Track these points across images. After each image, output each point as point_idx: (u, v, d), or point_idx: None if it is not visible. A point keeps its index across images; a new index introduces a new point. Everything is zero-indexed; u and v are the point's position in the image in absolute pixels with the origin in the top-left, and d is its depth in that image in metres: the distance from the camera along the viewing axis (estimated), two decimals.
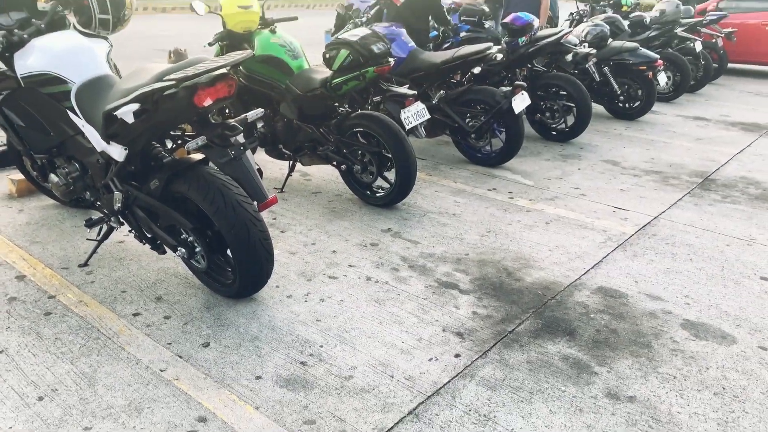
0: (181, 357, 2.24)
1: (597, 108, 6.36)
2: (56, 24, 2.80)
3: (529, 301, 2.71)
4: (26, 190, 3.79)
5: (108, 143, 2.42)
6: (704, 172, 4.70)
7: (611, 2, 8.05)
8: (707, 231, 3.54)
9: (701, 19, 8.39)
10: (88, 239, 3.07)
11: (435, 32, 5.69)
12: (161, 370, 2.16)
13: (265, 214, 3.58)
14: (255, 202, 2.40)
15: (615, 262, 3.12)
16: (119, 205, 2.58)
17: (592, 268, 3.05)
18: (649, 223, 3.65)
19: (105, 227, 2.84)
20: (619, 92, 6.23)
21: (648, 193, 4.19)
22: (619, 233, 3.48)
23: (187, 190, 2.39)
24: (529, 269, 3.02)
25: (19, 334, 2.35)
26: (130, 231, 2.75)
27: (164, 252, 2.72)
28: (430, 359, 2.27)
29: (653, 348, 2.38)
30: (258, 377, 2.14)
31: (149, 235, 2.66)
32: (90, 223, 2.81)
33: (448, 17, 5.83)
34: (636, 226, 3.60)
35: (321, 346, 2.32)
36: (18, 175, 3.73)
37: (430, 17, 5.48)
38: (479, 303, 2.68)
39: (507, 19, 5.14)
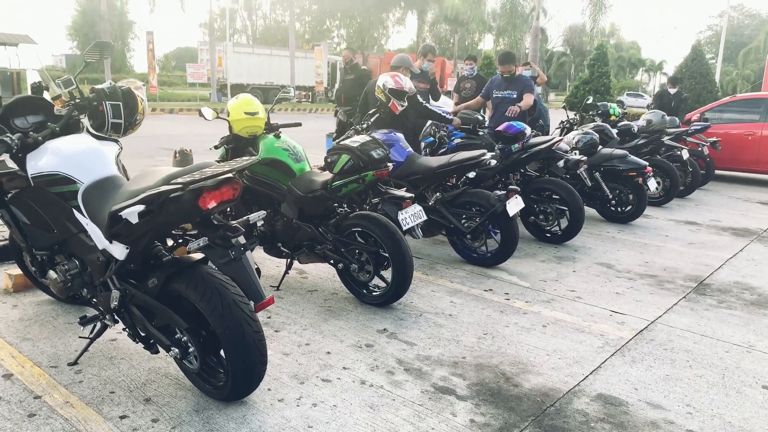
0: None
1: (590, 211, 6.51)
2: (71, 127, 2.92)
3: (527, 409, 2.64)
4: (22, 286, 3.79)
5: (110, 242, 2.47)
6: (698, 276, 4.74)
7: (600, 112, 8.46)
8: (705, 337, 3.52)
9: (686, 128, 8.81)
10: (80, 337, 3.03)
11: (431, 138, 5.94)
12: None
13: (260, 313, 3.56)
14: (252, 302, 2.41)
15: (614, 368, 3.07)
16: (116, 303, 2.57)
17: (590, 374, 3.00)
18: (646, 327, 3.63)
19: (99, 325, 2.82)
20: (610, 197, 6.40)
21: (643, 296, 4.20)
22: (617, 338, 3.46)
23: (184, 289, 2.40)
24: (527, 374, 2.97)
25: None
26: (123, 329, 2.72)
27: (157, 351, 2.69)
28: None
29: None
30: None
31: (143, 334, 2.64)
32: (84, 321, 2.79)
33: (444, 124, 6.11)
34: (633, 330, 3.57)
35: None
36: (15, 270, 3.75)
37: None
38: (477, 410, 2.61)
39: (500, 128, 5.39)
